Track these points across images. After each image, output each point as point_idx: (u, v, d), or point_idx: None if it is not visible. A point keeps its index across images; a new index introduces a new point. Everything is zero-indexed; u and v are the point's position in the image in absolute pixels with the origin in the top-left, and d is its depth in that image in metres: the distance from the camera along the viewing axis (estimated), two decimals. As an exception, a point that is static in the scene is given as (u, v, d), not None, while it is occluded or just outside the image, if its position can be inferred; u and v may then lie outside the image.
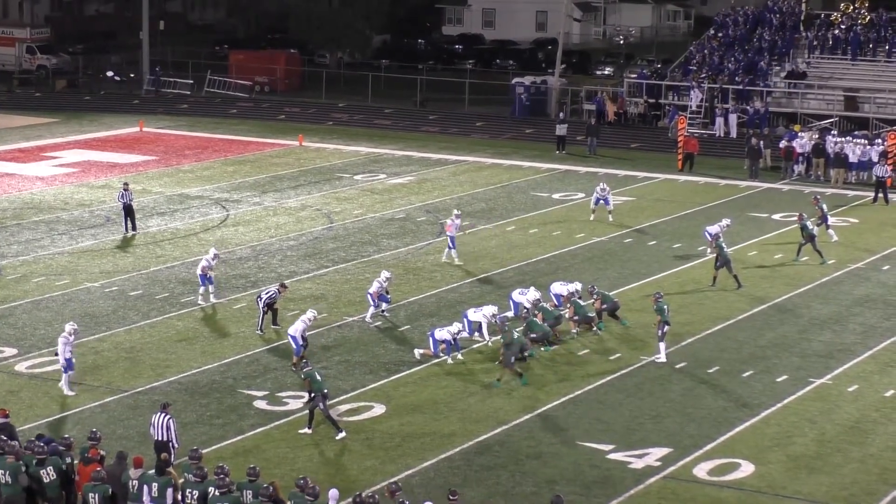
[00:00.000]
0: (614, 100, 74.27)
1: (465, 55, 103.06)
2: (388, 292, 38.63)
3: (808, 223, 45.18)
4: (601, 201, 50.55)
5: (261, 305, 37.11)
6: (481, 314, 36.29)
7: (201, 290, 39.84)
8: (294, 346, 34.49)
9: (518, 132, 72.61)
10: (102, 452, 25.46)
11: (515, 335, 34.14)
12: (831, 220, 47.99)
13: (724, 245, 42.11)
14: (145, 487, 24.08)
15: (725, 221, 45.61)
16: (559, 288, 38.41)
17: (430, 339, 35.16)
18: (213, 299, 39.76)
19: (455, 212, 45.99)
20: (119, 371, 34.03)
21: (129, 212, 48.04)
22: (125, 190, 48.17)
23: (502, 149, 67.46)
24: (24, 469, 24.50)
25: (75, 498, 24.75)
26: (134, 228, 48.05)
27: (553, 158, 64.71)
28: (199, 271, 39.84)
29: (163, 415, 27.32)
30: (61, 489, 24.70)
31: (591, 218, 50.56)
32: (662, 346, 35.08)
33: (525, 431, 30.45)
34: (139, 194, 53.81)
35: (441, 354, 34.91)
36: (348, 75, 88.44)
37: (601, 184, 51.88)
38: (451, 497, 23.77)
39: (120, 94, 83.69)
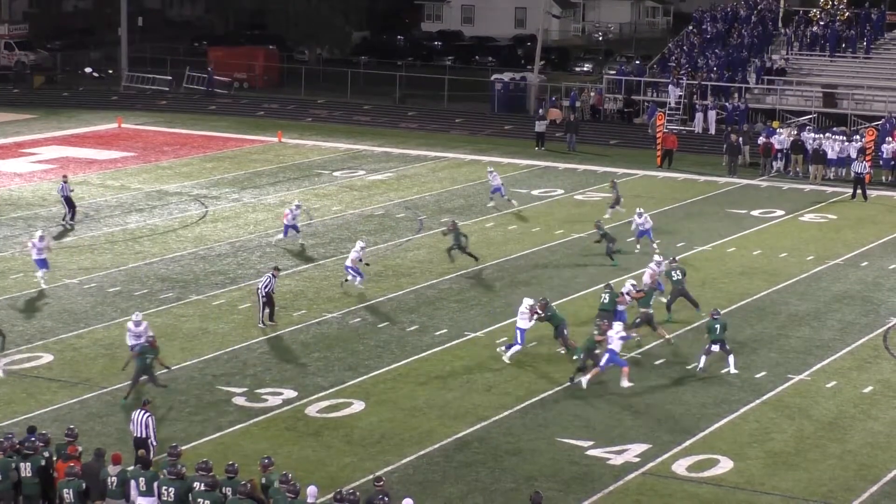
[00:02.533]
0: (557, 106, 73.64)
1: (444, 52, 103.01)
2: (362, 259, 39.73)
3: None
4: (497, 190, 51.95)
5: (260, 296, 37.15)
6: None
7: (39, 273, 40.36)
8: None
9: (497, 129, 72.61)
10: (80, 448, 25.45)
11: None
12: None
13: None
14: (133, 482, 24.08)
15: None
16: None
17: (611, 355, 33.10)
18: (43, 284, 40.25)
19: (295, 202, 47.11)
20: (98, 368, 33.93)
21: (69, 203, 48.20)
22: (64, 182, 48.53)
23: (481, 145, 67.47)
24: (13, 466, 24.50)
25: (55, 494, 24.68)
26: (73, 219, 48.22)
27: (532, 155, 64.75)
28: (34, 256, 40.40)
29: (142, 412, 27.26)
30: (41, 486, 24.62)
31: (490, 204, 51.98)
32: (704, 359, 34.19)
33: (504, 428, 30.46)
34: (117, 191, 53.78)
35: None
36: (327, 72, 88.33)
37: (489, 168, 52.58)
38: (375, 484, 23.94)
39: (98, 91, 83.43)
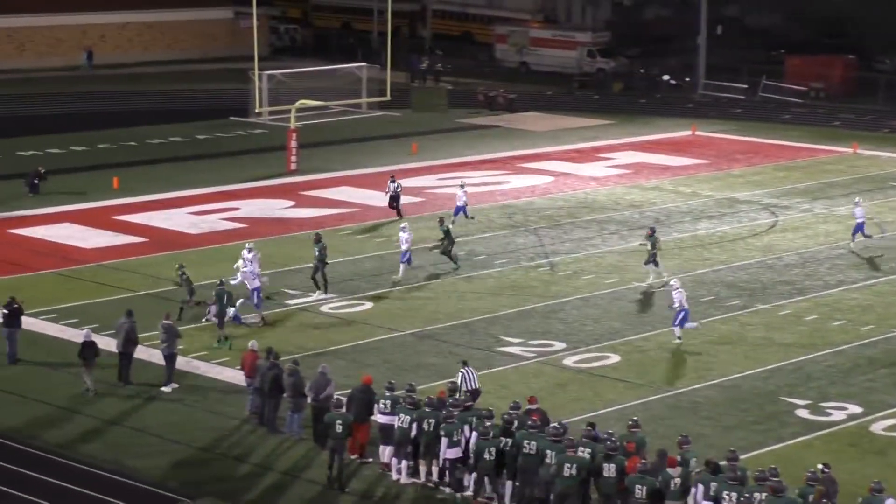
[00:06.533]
0: None
1: None
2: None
3: None
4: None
5: None
6: None
7: None
8: None
9: None
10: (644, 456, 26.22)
11: None
12: None
13: None
14: (700, 487, 24.49)
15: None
16: None
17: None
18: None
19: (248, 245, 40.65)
20: (662, 370, 34.55)
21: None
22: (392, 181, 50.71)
23: None
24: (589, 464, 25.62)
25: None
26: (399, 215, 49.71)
27: None
28: None
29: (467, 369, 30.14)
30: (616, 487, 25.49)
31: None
32: None
33: None
34: (688, 197, 54.50)
35: None
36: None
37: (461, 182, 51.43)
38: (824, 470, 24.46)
39: (674, 98, 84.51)
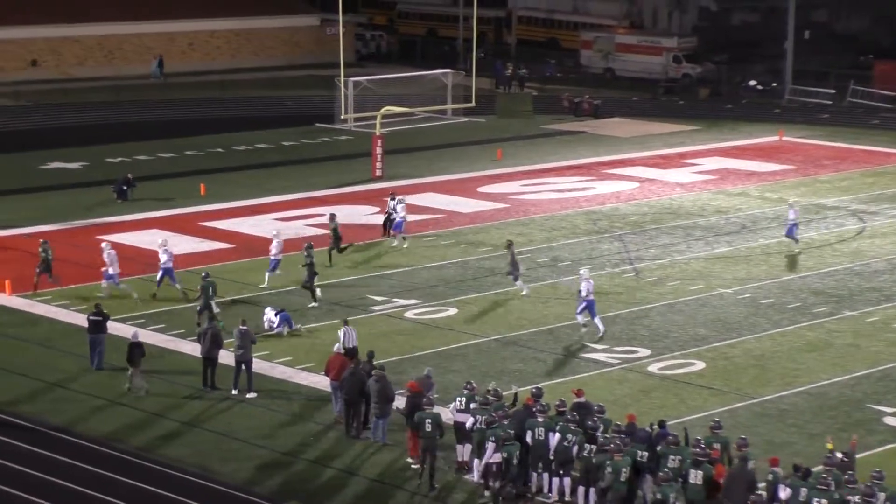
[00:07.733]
0: None
1: None
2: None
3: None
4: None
5: None
6: None
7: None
8: None
9: None
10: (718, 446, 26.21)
11: None
12: None
13: None
14: (788, 490, 24.46)
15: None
16: None
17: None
18: None
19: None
20: (748, 378, 34.27)
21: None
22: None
23: None
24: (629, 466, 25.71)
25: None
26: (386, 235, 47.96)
27: None
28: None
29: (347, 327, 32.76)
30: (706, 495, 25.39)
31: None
32: None
33: None
34: (775, 203, 54.01)
35: None
36: None
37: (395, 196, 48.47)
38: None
39: (761, 103, 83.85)
